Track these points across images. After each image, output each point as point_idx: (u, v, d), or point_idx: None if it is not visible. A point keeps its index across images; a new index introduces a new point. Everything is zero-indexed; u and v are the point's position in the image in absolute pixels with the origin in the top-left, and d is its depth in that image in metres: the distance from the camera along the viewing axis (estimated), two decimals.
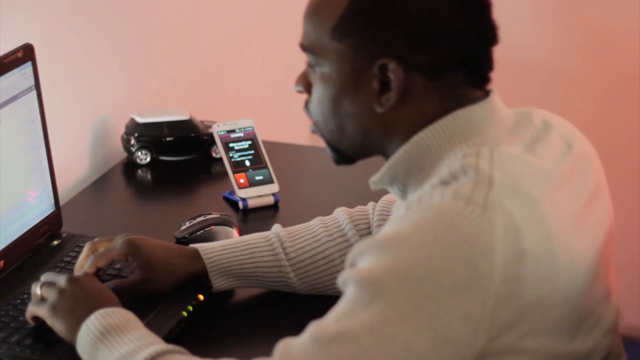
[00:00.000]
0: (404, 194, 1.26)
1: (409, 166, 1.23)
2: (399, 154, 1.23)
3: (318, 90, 1.26)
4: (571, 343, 1.18)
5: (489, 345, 1.11)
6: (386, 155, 1.27)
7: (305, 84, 1.29)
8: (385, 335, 1.08)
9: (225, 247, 1.54)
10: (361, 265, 1.13)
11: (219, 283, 1.53)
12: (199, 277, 1.53)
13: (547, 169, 1.19)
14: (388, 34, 1.19)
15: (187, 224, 1.74)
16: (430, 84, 1.21)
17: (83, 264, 1.51)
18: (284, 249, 1.55)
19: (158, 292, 1.49)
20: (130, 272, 1.51)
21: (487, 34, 1.23)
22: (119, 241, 1.50)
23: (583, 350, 1.19)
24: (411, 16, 1.18)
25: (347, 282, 1.12)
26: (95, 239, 1.53)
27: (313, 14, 1.24)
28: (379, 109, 1.22)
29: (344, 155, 1.29)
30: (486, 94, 1.26)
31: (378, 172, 1.26)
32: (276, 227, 1.58)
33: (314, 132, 1.31)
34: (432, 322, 1.08)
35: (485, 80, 1.25)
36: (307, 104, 1.30)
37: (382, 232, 1.14)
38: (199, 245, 1.54)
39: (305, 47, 1.26)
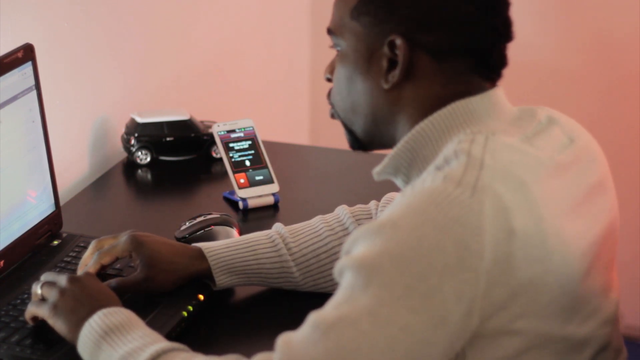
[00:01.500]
0: (407, 184, 1.28)
1: (411, 157, 1.26)
2: (401, 145, 1.26)
3: (336, 71, 1.31)
4: (565, 328, 1.18)
5: (482, 326, 1.13)
6: (393, 143, 1.29)
7: (331, 70, 1.34)
8: (383, 317, 1.10)
9: (229, 245, 1.54)
10: (355, 251, 1.14)
11: (222, 280, 1.53)
12: (201, 277, 1.53)
13: (541, 158, 1.21)
14: (399, 13, 1.23)
15: (187, 224, 1.74)
16: (435, 66, 1.24)
17: (87, 261, 1.51)
18: (286, 244, 1.55)
19: (160, 290, 1.49)
20: (133, 269, 1.51)
21: (499, 28, 1.25)
22: (122, 238, 1.50)
23: (578, 337, 1.20)
24: None
25: (343, 270, 1.14)
26: (101, 237, 1.53)
27: None
28: (385, 85, 1.26)
29: (357, 138, 1.32)
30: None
31: (381, 163, 1.29)
32: (277, 226, 1.59)
33: (332, 116, 1.34)
34: (426, 302, 1.10)
35: (496, 74, 1.27)
36: (330, 92, 1.34)
37: (376, 219, 1.15)
38: (202, 244, 1.54)
39: (329, 30, 1.31)
